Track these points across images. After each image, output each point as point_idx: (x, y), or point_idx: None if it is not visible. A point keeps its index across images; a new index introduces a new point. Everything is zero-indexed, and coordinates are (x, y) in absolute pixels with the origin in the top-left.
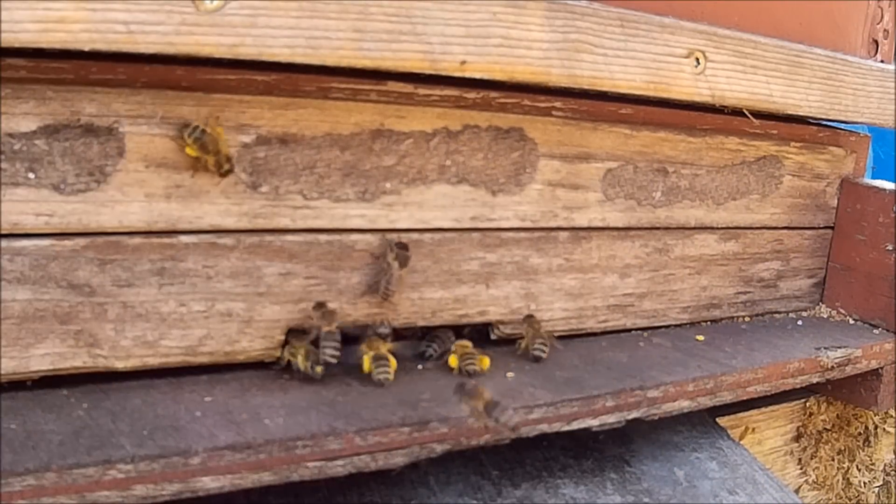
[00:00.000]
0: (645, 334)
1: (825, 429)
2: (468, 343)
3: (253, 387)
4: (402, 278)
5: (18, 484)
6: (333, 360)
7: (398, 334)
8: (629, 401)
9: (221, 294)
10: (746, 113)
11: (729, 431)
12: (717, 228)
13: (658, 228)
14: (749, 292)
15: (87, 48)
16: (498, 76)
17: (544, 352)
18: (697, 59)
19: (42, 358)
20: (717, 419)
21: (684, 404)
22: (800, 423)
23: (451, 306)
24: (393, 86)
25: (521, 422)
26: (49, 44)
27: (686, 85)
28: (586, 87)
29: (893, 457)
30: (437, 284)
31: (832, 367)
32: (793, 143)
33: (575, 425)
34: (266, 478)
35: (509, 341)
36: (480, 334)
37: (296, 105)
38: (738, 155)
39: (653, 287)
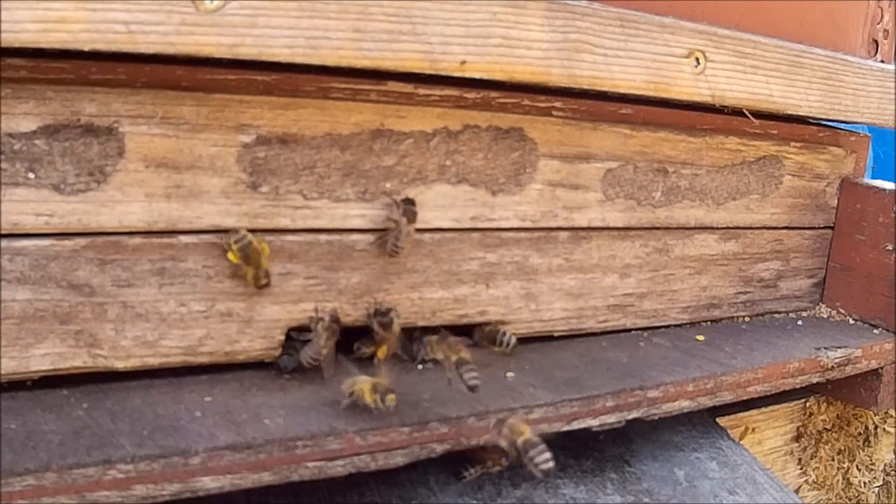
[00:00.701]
0: (645, 334)
1: (825, 429)
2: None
3: (253, 387)
4: (411, 234)
5: (18, 484)
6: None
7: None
8: (629, 401)
9: (221, 294)
10: (746, 113)
11: (729, 431)
12: (717, 228)
13: (658, 228)
14: (749, 292)
15: (87, 48)
16: (498, 76)
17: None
18: (697, 59)
19: (42, 358)
20: (717, 419)
21: (684, 404)
22: (800, 423)
23: (451, 306)
24: (393, 86)
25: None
26: (49, 44)
27: (686, 85)
28: (586, 87)
29: (893, 457)
30: (437, 284)
31: (832, 367)
32: (793, 143)
33: (575, 425)
34: (266, 478)
35: None
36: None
37: (296, 105)
38: (738, 155)
39: (653, 287)
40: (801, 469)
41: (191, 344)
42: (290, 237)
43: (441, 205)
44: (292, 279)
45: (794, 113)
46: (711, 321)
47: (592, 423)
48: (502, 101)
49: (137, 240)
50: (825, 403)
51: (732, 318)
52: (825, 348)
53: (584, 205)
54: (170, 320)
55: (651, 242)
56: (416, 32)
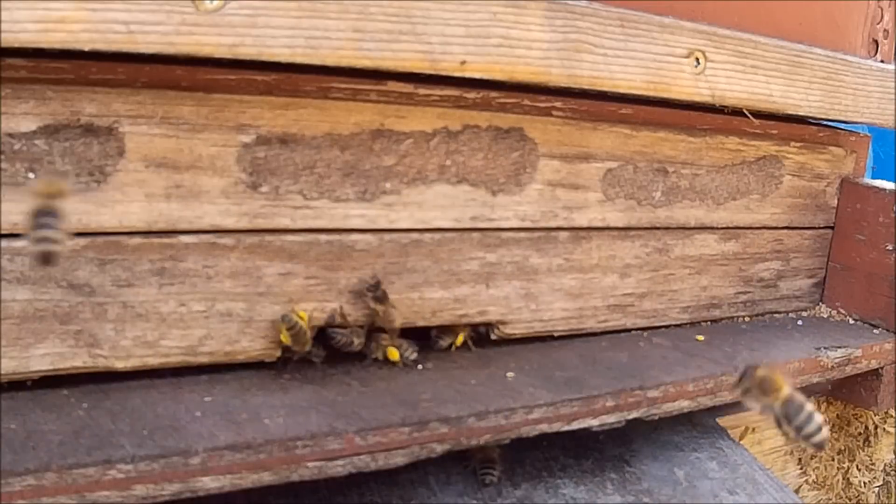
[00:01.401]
0: (645, 334)
1: None
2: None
3: (253, 387)
4: (388, 311)
5: (18, 484)
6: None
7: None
8: (629, 401)
9: (221, 294)
10: (746, 113)
11: (729, 431)
12: (717, 228)
13: (658, 228)
14: (749, 292)
15: (87, 48)
16: (498, 76)
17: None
18: (697, 59)
19: (42, 358)
20: (717, 419)
21: (684, 404)
22: None
23: (451, 306)
24: (393, 86)
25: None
26: (49, 44)
27: (686, 85)
28: (586, 87)
29: (893, 457)
30: (437, 284)
31: (832, 367)
32: (793, 143)
33: (575, 425)
34: (266, 478)
35: (510, 341)
36: (480, 335)
37: (296, 105)
38: (738, 155)
39: (653, 287)
40: (801, 469)
41: (191, 344)
42: (290, 237)
43: (441, 205)
44: (292, 279)
45: (794, 113)
46: (711, 321)
47: (592, 423)
48: (502, 101)
49: (137, 240)
50: (825, 403)
51: (732, 318)
52: (825, 348)
53: (584, 205)
54: (170, 320)
55: (651, 242)
56: (416, 32)
